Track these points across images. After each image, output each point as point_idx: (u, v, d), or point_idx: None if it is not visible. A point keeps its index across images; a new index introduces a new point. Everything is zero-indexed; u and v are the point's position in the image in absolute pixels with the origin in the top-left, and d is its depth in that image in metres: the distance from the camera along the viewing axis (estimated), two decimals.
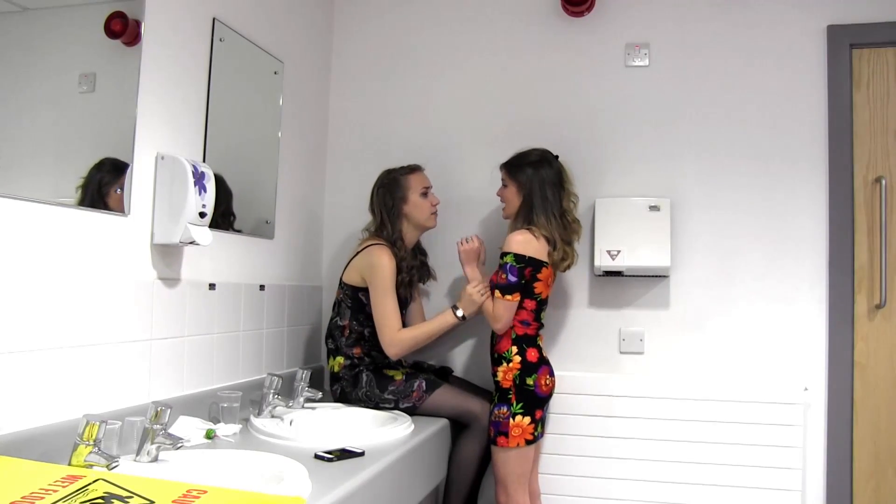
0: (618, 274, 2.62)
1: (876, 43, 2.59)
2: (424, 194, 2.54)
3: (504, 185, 2.45)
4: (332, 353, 2.50)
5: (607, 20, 2.79)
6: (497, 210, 2.71)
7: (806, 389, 2.51)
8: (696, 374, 2.64)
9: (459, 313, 2.41)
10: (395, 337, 2.39)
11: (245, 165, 2.43)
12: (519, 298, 2.29)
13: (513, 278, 2.26)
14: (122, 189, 1.78)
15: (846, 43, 2.59)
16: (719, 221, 2.66)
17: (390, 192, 2.52)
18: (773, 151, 2.63)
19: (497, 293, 2.29)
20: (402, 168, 2.57)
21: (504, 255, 2.29)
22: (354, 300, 2.48)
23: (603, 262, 2.57)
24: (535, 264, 2.28)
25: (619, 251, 2.56)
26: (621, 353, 2.72)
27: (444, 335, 2.54)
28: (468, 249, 2.48)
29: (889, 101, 2.59)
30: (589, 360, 2.73)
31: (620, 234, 2.58)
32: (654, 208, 2.59)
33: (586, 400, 2.61)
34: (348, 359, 2.45)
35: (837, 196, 2.58)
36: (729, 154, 2.67)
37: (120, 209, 1.77)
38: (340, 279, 2.53)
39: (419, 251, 2.67)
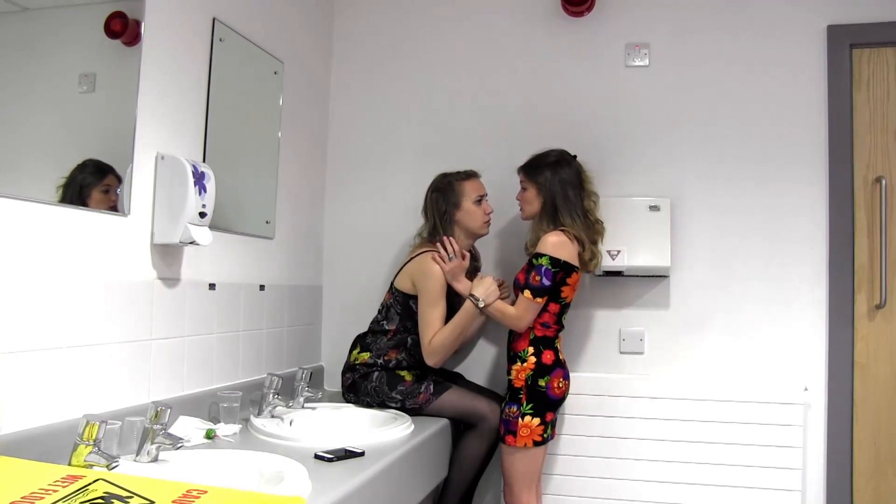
0: (618, 274, 2.62)
1: (876, 43, 2.59)
2: (479, 202, 2.50)
3: (523, 189, 2.41)
4: (363, 347, 2.48)
5: (607, 20, 2.78)
6: (498, 208, 2.70)
7: (806, 389, 2.51)
8: (696, 374, 2.64)
9: (481, 304, 2.34)
10: (428, 347, 2.37)
11: (245, 165, 2.42)
12: (548, 299, 2.28)
13: (547, 282, 2.24)
14: (106, 191, 1.75)
15: (846, 43, 2.59)
16: (719, 221, 2.66)
17: (444, 196, 2.49)
18: (773, 151, 2.63)
19: (527, 293, 2.25)
20: (459, 173, 2.53)
21: (539, 255, 2.25)
22: (405, 307, 2.46)
23: (603, 262, 2.57)
24: (568, 269, 2.26)
25: (619, 251, 2.56)
26: (621, 353, 2.72)
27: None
28: (455, 267, 2.41)
29: (889, 101, 2.59)
30: (589, 360, 2.73)
31: (620, 234, 2.57)
32: (654, 208, 2.59)
33: (586, 400, 2.61)
34: (375, 357, 2.44)
35: (837, 196, 2.58)
36: (729, 154, 2.67)
37: (107, 209, 1.75)
38: (392, 284, 2.52)
39: (472, 257, 2.60)
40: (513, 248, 2.74)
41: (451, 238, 2.44)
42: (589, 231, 2.34)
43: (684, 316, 2.68)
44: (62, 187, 1.65)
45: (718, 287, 2.65)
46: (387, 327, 2.47)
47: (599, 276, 2.67)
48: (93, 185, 1.74)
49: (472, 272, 2.58)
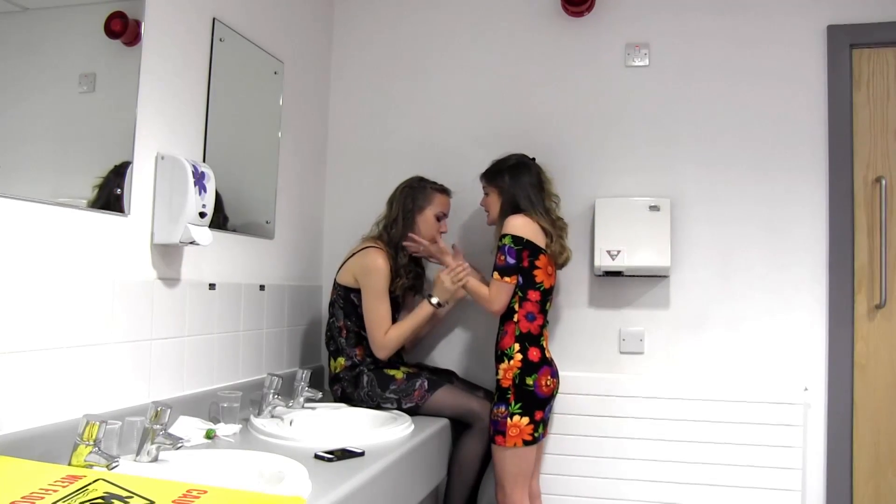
0: (618, 274, 2.62)
1: (876, 43, 2.59)
2: (439, 218, 2.56)
3: (486, 194, 2.48)
4: (333, 354, 2.50)
5: (607, 20, 2.79)
6: None
7: (806, 389, 2.51)
8: (696, 374, 2.64)
9: (434, 300, 2.43)
10: (382, 340, 2.41)
11: (245, 165, 2.43)
12: (517, 281, 2.29)
13: (511, 260, 2.27)
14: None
15: (846, 43, 2.59)
16: (719, 221, 2.66)
17: (413, 196, 2.53)
18: (773, 151, 2.63)
19: (495, 275, 2.29)
20: (435, 183, 2.58)
21: (502, 237, 2.30)
22: (347, 301, 2.48)
23: (603, 262, 2.57)
24: (532, 248, 2.29)
25: (619, 251, 2.56)
26: (621, 353, 2.72)
27: (455, 335, 2.55)
28: (432, 249, 2.50)
29: (889, 101, 2.59)
30: (589, 360, 2.73)
31: (620, 234, 2.58)
32: (654, 208, 2.59)
33: (586, 400, 2.61)
34: (349, 359, 2.46)
35: (837, 196, 2.58)
36: (729, 154, 2.67)
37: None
38: (334, 280, 2.54)
39: (418, 263, 2.64)
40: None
41: (410, 235, 2.50)
42: (553, 227, 2.37)
43: (684, 316, 2.68)
44: (97, 187, 1.69)
45: (718, 287, 2.65)
46: (337, 324, 2.50)
47: (599, 276, 2.67)
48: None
49: (416, 278, 2.60)
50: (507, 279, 2.28)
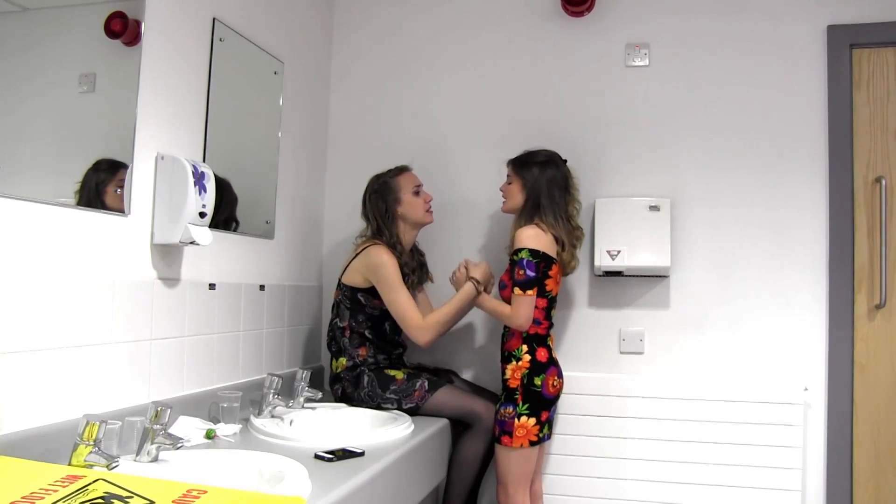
0: (618, 274, 2.63)
1: (876, 43, 2.59)
2: (416, 192, 2.54)
3: (508, 182, 2.45)
4: (335, 354, 2.50)
5: (607, 20, 2.79)
6: (497, 210, 2.71)
7: (806, 389, 2.51)
8: (696, 374, 2.64)
9: (481, 288, 2.39)
10: (422, 324, 2.37)
11: (245, 165, 2.42)
12: (536, 293, 2.29)
13: (531, 273, 2.25)
14: (120, 188, 1.78)
15: (846, 43, 2.59)
16: (719, 221, 2.66)
17: (382, 196, 2.52)
18: (773, 151, 2.63)
19: (516, 290, 2.27)
20: (390, 171, 2.56)
21: (518, 251, 2.27)
22: (353, 301, 2.48)
23: (603, 262, 2.57)
24: (547, 260, 2.28)
25: (619, 251, 2.56)
26: (621, 353, 2.72)
27: (457, 336, 2.54)
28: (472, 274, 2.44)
29: (889, 101, 2.59)
30: (589, 360, 2.73)
31: (620, 234, 2.58)
32: (654, 208, 2.59)
33: (586, 400, 2.61)
34: (351, 359, 2.45)
35: (837, 196, 2.57)
36: (729, 153, 2.67)
37: (118, 208, 1.77)
38: (339, 280, 2.53)
39: (417, 252, 2.66)
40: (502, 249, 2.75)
41: (461, 266, 2.46)
42: (569, 235, 2.36)
43: (684, 316, 2.68)
44: (77, 192, 1.67)
45: (718, 287, 2.65)
46: (340, 324, 2.49)
47: (599, 276, 2.67)
48: (107, 182, 1.75)
49: (419, 267, 2.59)
50: (528, 293, 2.26)
